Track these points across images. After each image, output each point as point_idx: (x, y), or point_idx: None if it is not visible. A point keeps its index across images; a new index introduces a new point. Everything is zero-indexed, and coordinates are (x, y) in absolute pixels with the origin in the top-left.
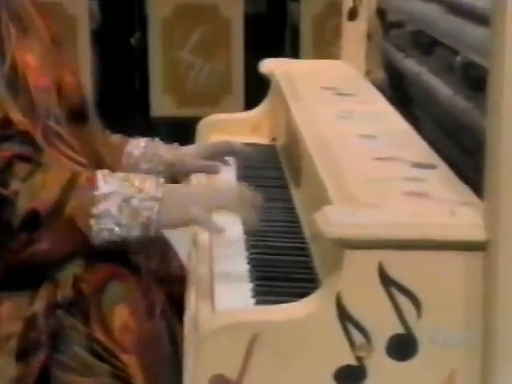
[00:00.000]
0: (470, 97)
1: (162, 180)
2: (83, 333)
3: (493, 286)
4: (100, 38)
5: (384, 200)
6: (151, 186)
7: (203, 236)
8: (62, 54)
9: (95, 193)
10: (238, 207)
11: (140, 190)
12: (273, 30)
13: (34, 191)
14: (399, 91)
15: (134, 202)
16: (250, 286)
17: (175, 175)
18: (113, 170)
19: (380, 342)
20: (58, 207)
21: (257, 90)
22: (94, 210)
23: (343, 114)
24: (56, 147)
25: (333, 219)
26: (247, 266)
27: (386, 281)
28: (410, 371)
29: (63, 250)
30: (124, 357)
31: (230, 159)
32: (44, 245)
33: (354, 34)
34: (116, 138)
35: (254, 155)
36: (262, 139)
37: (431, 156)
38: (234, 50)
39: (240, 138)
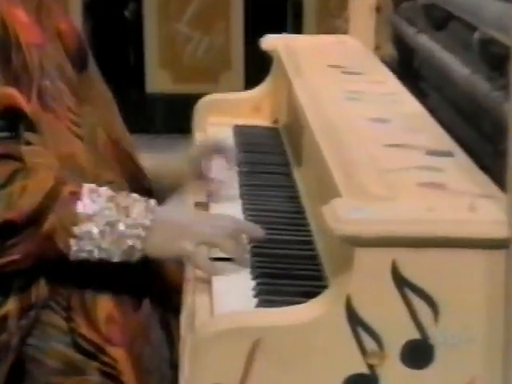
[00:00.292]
0: (489, 77)
1: (152, 203)
2: (65, 328)
3: None
4: (92, 9)
5: (397, 192)
6: (140, 211)
7: None
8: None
9: (78, 211)
10: (230, 248)
11: (127, 215)
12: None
13: (13, 200)
14: (411, 69)
15: (120, 227)
16: (252, 283)
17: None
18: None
19: (393, 348)
20: (37, 217)
21: (258, 65)
22: (76, 230)
23: (351, 95)
24: (53, 111)
25: (342, 214)
26: (249, 261)
27: (400, 282)
28: (426, 380)
29: (36, 261)
30: (112, 350)
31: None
32: (16, 256)
33: (362, 6)
34: None
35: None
36: (263, 121)
37: (448, 142)
38: (233, 22)
39: (240, 120)
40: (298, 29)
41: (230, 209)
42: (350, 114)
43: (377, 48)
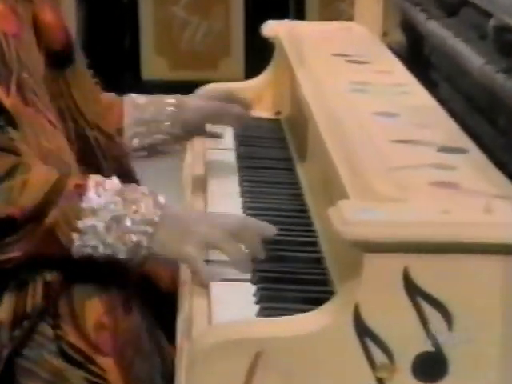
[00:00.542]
0: (505, 67)
1: (161, 198)
2: (52, 336)
3: None
4: None
5: (408, 192)
6: (148, 206)
7: None
8: None
9: (83, 205)
10: (231, 250)
11: (135, 211)
12: None
13: (13, 195)
14: (421, 58)
15: (127, 222)
16: (253, 288)
17: (187, 120)
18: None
19: (405, 361)
20: (38, 214)
21: (259, 50)
22: (80, 224)
23: (357, 87)
24: (33, 105)
25: (349, 217)
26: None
27: (412, 290)
28: None
29: (38, 257)
30: (101, 360)
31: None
32: (17, 253)
33: None
34: (108, 95)
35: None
36: (264, 112)
37: (461, 138)
38: (233, 5)
39: None
40: (300, 12)
41: (230, 207)
42: (356, 107)
43: (384, 35)
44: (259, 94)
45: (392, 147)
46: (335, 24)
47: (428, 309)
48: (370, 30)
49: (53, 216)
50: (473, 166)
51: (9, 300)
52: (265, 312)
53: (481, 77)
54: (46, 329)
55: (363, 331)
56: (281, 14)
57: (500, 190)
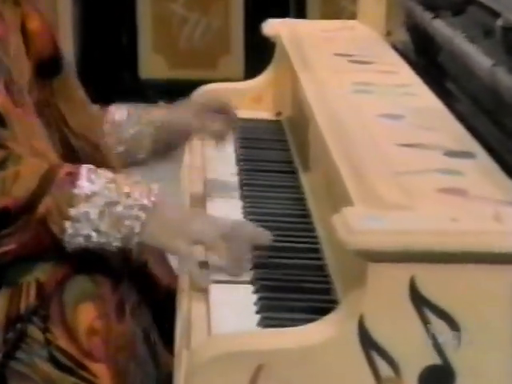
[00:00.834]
0: None
1: (155, 188)
2: (42, 340)
3: None
4: None
5: (415, 199)
6: (141, 192)
7: None
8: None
9: (75, 191)
10: (223, 252)
11: (127, 195)
12: None
13: (6, 186)
14: (426, 58)
15: (119, 208)
16: (254, 297)
17: (169, 137)
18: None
19: (411, 374)
20: (32, 203)
21: (259, 49)
22: (72, 212)
23: (360, 87)
24: (21, 105)
25: (354, 225)
26: (250, 272)
27: (419, 301)
28: None
29: (32, 251)
30: (93, 366)
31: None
32: (12, 246)
33: None
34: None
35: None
36: (265, 113)
37: (468, 142)
38: (232, 2)
39: (240, 112)
40: (301, 9)
41: (230, 211)
42: (359, 108)
43: (388, 34)
44: (259, 95)
45: (397, 150)
46: (337, 23)
47: (435, 320)
48: (374, 29)
49: (45, 204)
50: (481, 172)
51: (2, 302)
52: (266, 322)
53: (489, 78)
54: (36, 333)
55: (368, 343)
56: (281, 11)
57: (509, 196)
